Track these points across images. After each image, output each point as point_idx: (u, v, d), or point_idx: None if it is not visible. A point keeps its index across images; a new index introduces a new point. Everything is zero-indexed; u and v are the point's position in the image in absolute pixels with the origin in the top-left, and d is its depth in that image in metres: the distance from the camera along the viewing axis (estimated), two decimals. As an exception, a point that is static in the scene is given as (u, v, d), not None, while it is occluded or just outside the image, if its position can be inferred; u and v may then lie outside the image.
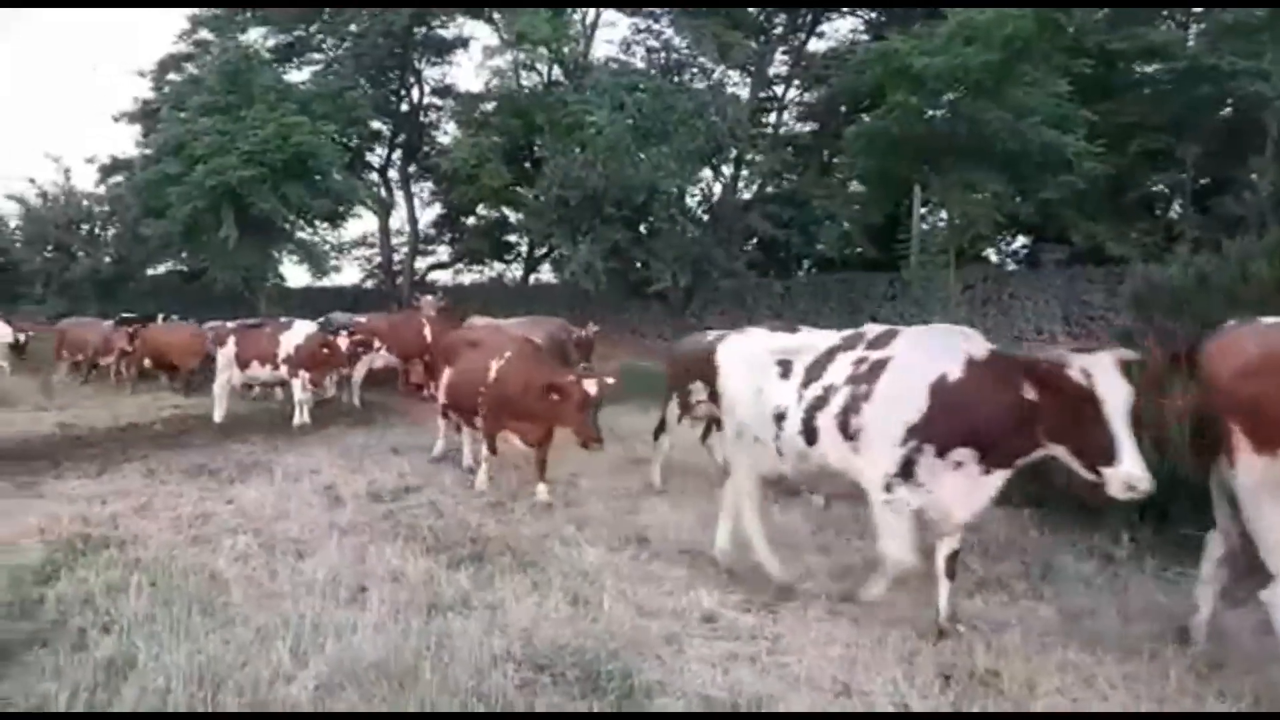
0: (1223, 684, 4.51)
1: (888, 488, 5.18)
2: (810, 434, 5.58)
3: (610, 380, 8.65)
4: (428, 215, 36.33)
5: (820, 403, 5.55)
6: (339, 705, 4.19)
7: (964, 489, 5.06)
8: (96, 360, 20.09)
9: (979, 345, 5.23)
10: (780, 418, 5.79)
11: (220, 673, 4.38)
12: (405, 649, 4.70)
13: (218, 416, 13.99)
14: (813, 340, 6.05)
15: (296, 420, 13.80)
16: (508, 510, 8.44)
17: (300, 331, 14.37)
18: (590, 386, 8.14)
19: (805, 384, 5.72)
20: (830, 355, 5.73)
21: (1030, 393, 4.72)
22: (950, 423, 5.00)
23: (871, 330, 5.76)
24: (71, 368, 21.19)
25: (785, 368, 5.92)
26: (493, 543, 7.12)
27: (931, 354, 5.27)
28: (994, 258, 29.60)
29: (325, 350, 13.99)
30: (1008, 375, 4.86)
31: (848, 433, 5.39)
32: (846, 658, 4.86)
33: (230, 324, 16.48)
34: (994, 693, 4.48)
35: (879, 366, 5.40)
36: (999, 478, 5.05)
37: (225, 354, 14.41)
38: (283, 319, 15.69)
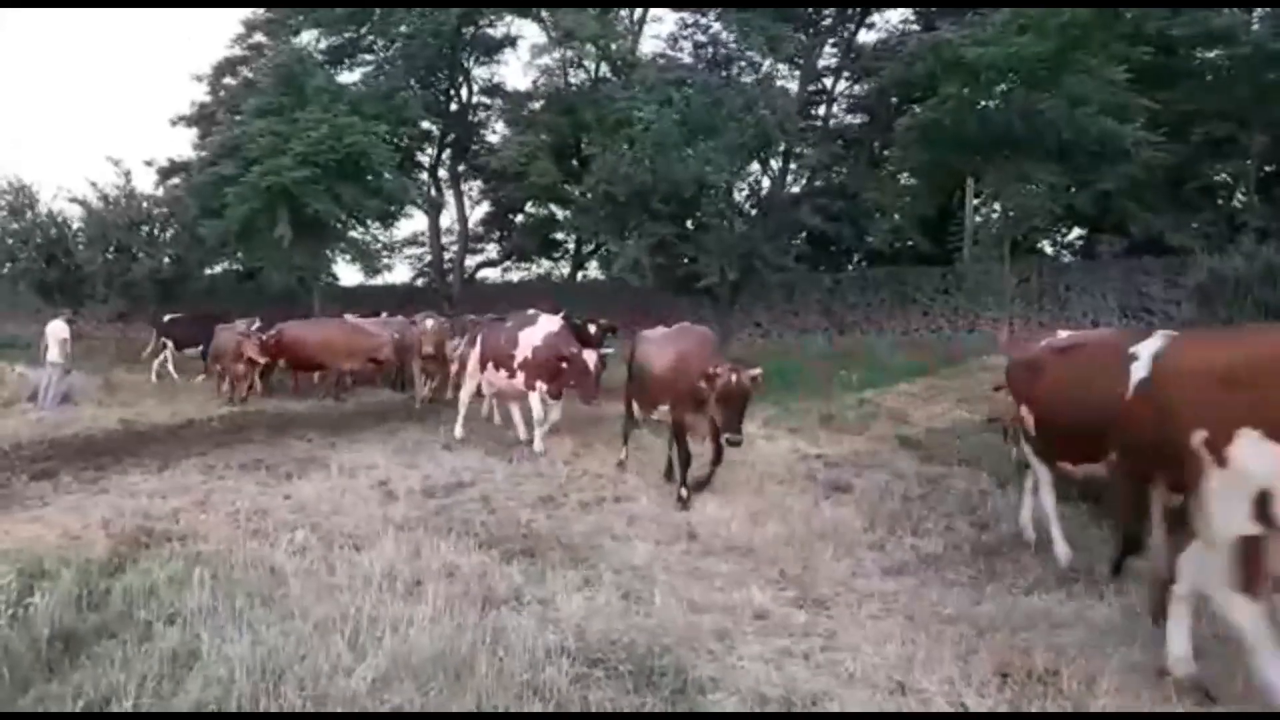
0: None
1: None
2: None
3: None
4: (477, 214, 36.62)
5: None
6: (396, 698, 4.25)
7: None
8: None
9: None
10: None
11: (281, 664, 4.47)
12: (461, 642, 4.74)
13: (458, 433, 12.19)
14: None
15: (537, 445, 10.98)
16: (558, 505, 8.51)
17: (541, 330, 11.51)
18: None
19: None
20: None
21: None
22: None
23: None
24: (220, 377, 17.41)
25: None
26: (544, 538, 7.21)
27: None
28: (1049, 250, 29.10)
29: (561, 362, 10.88)
30: None
31: None
32: (902, 655, 4.82)
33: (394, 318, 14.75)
34: (1053, 692, 4.40)
35: None
36: None
37: (474, 356, 12.40)
38: (530, 311, 12.90)
